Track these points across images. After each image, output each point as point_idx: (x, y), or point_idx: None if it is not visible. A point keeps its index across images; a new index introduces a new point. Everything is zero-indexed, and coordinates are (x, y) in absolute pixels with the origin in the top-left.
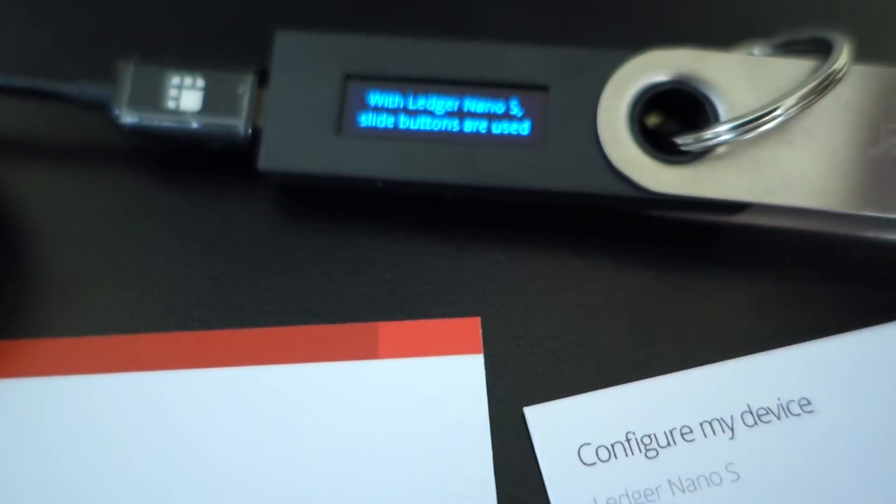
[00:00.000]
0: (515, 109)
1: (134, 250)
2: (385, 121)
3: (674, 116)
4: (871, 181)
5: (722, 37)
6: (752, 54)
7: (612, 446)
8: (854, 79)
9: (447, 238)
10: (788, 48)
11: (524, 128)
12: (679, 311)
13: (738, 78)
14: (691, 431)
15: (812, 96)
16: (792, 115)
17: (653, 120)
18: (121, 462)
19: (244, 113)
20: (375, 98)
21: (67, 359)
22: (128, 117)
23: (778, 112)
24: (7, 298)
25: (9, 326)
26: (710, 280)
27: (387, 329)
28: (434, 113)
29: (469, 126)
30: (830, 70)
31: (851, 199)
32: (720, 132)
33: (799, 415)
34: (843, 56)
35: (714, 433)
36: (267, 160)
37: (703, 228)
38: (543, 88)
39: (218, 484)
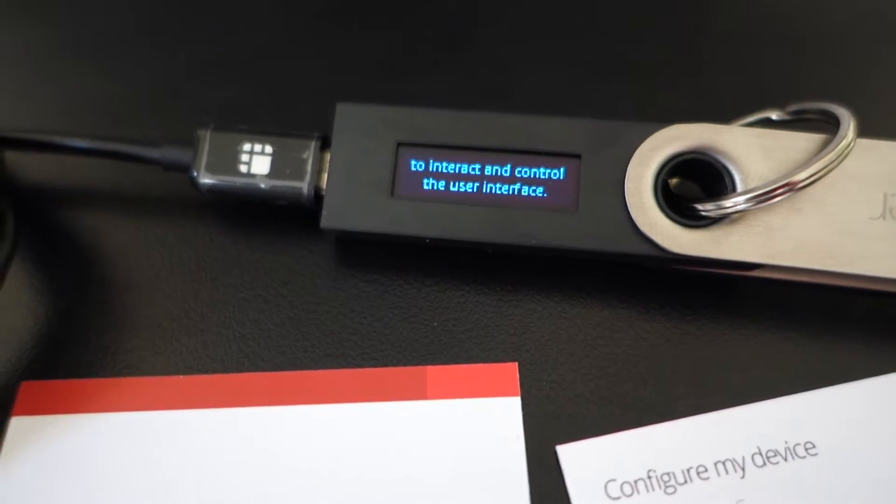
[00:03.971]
0: (551, 175)
1: (211, 298)
2: (433, 184)
3: (694, 179)
4: (874, 245)
5: (740, 106)
6: (769, 120)
7: (635, 482)
8: (858, 152)
9: (488, 289)
10: (799, 116)
11: (559, 192)
12: (697, 359)
13: (752, 150)
14: (706, 470)
15: (822, 171)
16: (803, 187)
17: (674, 181)
18: (202, 487)
19: (308, 176)
20: (424, 164)
21: (155, 396)
22: (206, 179)
23: (791, 185)
24: (105, 341)
25: (105, 366)
26: (726, 330)
27: (435, 372)
28: (477, 177)
29: (509, 190)
30: (839, 146)
31: (855, 262)
32: (738, 202)
33: (804, 457)
34: (850, 132)
35: (727, 472)
36: (328, 219)
37: (720, 282)
38: (576, 157)
39: None
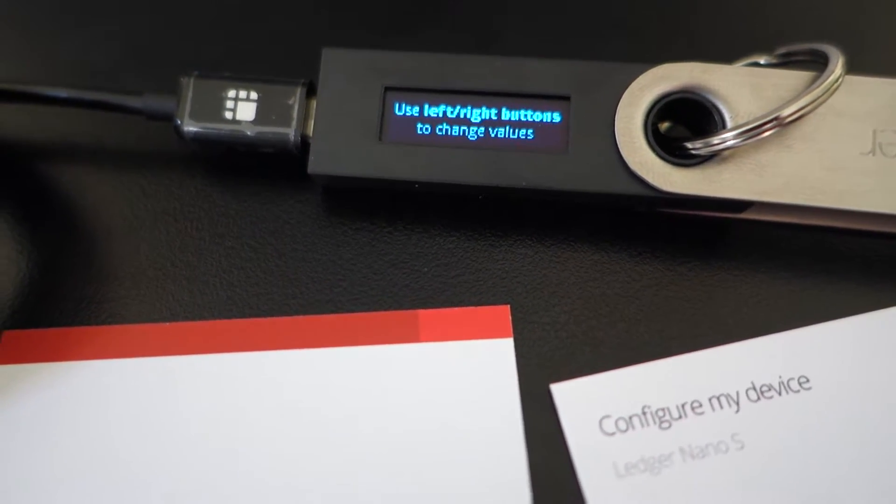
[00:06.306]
0: (540, 118)
1: (197, 247)
2: (421, 129)
3: (684, 122)
4: (864, 180)
5: (729, 50)
6: (757, 64)
7: (630, 418)
8: (848, 88)
9: (479, 234)
10: (789, 59)
11: (548, 134)
12: (689, 299)
13: (742, 88)
14: (701, 405)
15: (810, 105)
16: (791, 122)
17: (664, 125)
18: (189, 432)
19: (294, 122)
20: (412, 108)
21: (141, 343)
22: (190, 127)
23: (779, 120)
24: (89, 290)
25: (89, 315)
26: (717, 271)
27: (427, 316)
28: (465, 121)
29: (498, 133)
30: (827, 81)
31: (845, 197)
32: (727, 138)
33: (798, 391)
34: (838, 68)
35: (721, 407)
36: (315, 165)
37: (711, 224)
38: (566, 98)
39: (276, 453)
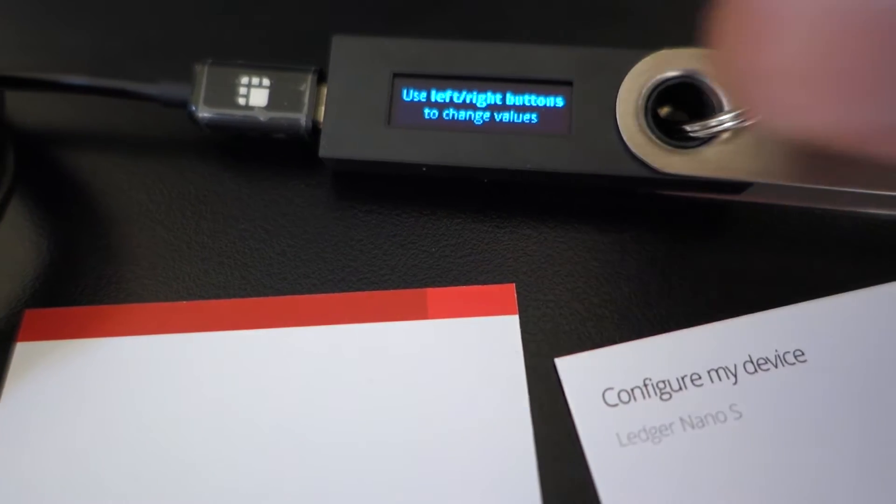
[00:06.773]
0: (544, 102)
1: (212, 229)
2: (429, 113)
3: (683, 107)
4: (858, 162)
5: None
6: None
7: (632, 390)
8: None
9: (484, 216)
10: None
11: (552, 118)
12: (688, 278)
13: None
14: (700, 377)
15: None
16: None
17: (664, 110)
18: (203, 407)
19: (305, 108)
20: (420, 94)
21: (159, 320)
22: (204, 113)
23: None
24: (108, 271)
25: (108, 294)
26: (716, 250)
27: (435, 294)
28: (472, 106)
29: (503, 117)
30: None
31: (841, 178)
32: (724, 120)
33: (794, 364)
34: None
35: (720, 379)
36: (326, 149)
37: (710, 206)
38: (569, 83)
39: (289, 424)
